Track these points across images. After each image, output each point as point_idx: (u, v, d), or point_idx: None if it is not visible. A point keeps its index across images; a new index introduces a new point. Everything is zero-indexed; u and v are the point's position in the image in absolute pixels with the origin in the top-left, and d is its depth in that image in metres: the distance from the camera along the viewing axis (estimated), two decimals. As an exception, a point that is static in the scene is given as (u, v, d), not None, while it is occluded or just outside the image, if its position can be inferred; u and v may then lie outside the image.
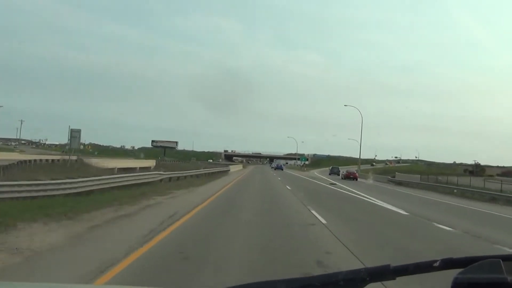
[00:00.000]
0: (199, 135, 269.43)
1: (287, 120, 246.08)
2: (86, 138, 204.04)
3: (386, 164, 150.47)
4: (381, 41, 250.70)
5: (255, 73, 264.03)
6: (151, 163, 68.19)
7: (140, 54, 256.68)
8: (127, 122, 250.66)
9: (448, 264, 1.07)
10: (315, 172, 75.96)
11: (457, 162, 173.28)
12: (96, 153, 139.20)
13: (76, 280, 4.72)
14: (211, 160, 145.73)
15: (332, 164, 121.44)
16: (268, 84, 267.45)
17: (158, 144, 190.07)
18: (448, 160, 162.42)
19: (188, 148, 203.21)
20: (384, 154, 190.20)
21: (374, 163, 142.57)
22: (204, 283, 5.12)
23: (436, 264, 1.06)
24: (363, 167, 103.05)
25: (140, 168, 60.02)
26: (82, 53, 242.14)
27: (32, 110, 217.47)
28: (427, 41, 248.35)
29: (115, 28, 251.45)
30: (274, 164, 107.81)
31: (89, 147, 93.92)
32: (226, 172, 44.41)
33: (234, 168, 56.13)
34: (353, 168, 64.17)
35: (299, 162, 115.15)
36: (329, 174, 60.10)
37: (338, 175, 58.24)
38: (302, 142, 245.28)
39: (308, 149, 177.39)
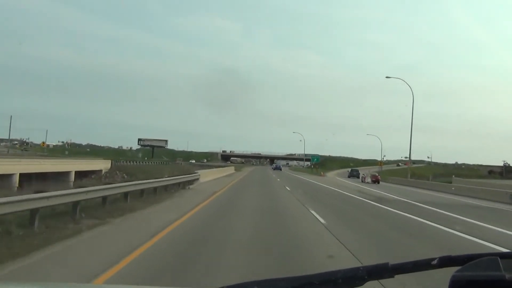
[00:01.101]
0: (198, 135, 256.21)
1: (287, 120, 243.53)
2: (84, 139, 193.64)
3: (402, 165, 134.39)
4: (381, 40, 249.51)
5: (254, 73, 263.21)
6: (103, 164, 48.69)
7: (139, 55, 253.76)
8: (127, 123, 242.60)
9: (446, 262, 1.04)
10: (336, 177, 56.95)
11: (459, 162, 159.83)
12: (66, 152, 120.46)
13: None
14: (193, 161, 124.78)
15: (337, 164, 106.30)
16: (268, 84, 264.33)
17: (146, 143, 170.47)
18: (449, 160, 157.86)
19: (183, 148, 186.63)
20: (390, 154, 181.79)
21: (399, 164, 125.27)
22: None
23: (434, 262, 1.04)
24: (385, 167, 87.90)
25: (79, 172, 40.46)
26: (81, 54, 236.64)
27: (32, 111, 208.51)
28: (427, 41, 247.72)
29: (114, 29, 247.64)
30: (274, 165, 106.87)
31: (44, 144, 74.25)
32: (186, 187, 21.65)
33: (216, 174, 35.56)
34: (372, 169, 65.47)
35: (306, 163, 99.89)
36: (348, 177, 56.96)
37: (358, 177, 55.70)
38: (300, 140, 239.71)
39: (306, 149, 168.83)
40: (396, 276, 1.08)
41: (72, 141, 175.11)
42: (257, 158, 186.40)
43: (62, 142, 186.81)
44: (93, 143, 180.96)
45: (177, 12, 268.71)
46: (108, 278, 4.92)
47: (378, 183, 45.16)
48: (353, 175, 59.66)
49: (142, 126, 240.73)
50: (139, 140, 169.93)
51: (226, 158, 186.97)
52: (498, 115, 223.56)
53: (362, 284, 1.04)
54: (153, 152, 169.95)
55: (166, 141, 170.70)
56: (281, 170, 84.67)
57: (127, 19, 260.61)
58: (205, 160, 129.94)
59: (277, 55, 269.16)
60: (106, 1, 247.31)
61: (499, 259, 0.95)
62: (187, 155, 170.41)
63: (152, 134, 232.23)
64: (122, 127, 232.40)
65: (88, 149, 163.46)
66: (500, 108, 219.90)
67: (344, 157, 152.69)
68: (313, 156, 77.12)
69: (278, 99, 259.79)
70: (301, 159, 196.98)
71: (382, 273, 1.07)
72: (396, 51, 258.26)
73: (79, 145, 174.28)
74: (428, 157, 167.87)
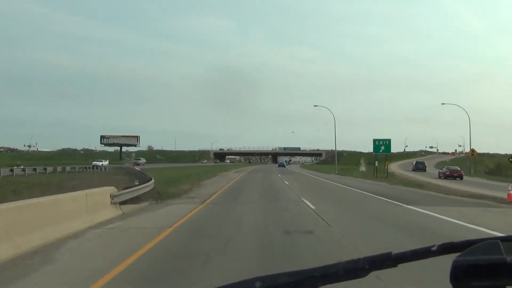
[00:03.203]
0: (194, 135, 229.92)
1: (284, 116, 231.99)
2: (80, 144, 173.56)
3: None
4: (379, 34, 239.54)
5: (249, 70, 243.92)
6: None
7: (131, 55, 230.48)
8: (125, 125, 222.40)
9: (446, 248, 1.01)
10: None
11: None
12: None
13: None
14: (103, 162, 75.66)
15: (346, 159, 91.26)
16: (264, 81, 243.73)
17: (110, 141, 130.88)
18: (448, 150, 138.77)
19: (171, 147, 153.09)
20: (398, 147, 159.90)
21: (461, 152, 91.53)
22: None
23: (434, 249, 1.01)
24: (438, 159, 70.35)
25: None
26: (76, 58, 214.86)
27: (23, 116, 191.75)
28: (421, 33, 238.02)
29: (106, 30, 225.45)
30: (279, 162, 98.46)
31: None
32: None
33: None
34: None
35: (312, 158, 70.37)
36: (413, 170, 47.65)
37: (425, 171, 48.72)
38: (292, 132, 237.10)
39: (301, 143, 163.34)
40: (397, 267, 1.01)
41: (68, 147, 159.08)
42: (258, 155, 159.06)
43: (29, 146, 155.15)
44: (86, 147, 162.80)
45: (169, 12, 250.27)
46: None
47: (461, 179, 36.51)
48: (419, 168, 51.61)
49: (139, 128, 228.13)
50: (102, 137, 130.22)
51: (221, 156, 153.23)
52: (495, 104, 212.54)
53: (365, 275, 0.98)
54: (121, 153, 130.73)
55: (137, 137, 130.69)
56: (284, 167, 79.16)
57: (119, 20, 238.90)
58: (142, 161, 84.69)
59: (272, 51, 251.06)
60: (96, 1, 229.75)
61: (500, 242, 0.92)
62: (175, 155, 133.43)
63: (148, 136, 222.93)
64: (117, 130, 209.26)
65: (82, 152, 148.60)
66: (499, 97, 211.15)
67: (347, 150, 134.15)
68: (379, 141, 36.28)
69: (275, 96, 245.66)
70: (312, 154, 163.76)
71: (384, 262, 1.00)
72: (394, 44, 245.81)
73: (74, 150, 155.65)
74: (460, 145, 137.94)
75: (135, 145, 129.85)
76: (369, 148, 42.40)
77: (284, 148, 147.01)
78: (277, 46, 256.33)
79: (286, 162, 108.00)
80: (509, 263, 0.88)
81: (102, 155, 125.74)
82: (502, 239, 0.94)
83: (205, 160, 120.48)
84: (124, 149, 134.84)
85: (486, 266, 0.90)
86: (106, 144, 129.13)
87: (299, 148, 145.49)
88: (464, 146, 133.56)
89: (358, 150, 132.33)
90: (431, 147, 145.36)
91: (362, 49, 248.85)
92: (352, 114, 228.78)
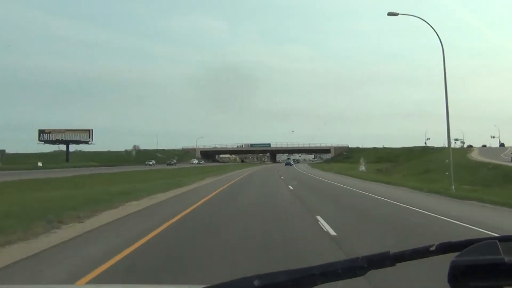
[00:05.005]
0: (186, 134, 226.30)
1: (279, 114, 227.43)
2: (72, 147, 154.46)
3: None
4: (370, 29, 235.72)
5: (243, 68, 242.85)
6: None
7: (123, 56, 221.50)
8: (122, 126, 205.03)
9: (444, 248, 1.02)
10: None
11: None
12: None
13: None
14: None
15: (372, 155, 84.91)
16: (258, 78, 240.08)
17: (52, 137, 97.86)
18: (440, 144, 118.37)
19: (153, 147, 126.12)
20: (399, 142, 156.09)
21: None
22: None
23: (433, 249, 1.01)
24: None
25: None
26: (68, 61, 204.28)
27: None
28: (415, 27, 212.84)
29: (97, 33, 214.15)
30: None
31: None
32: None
33: None
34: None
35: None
36: None
37: None
38: (292, 131, 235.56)
39: (299, 139, 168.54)
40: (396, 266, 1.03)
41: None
42: (254, 153, 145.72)
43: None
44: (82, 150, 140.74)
45: (159, 12, 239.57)
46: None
47: None
48: None
49: (132, 127, 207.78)
50: (41, 133, 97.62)
51: (209, 155, 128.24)
52: (487, 98, 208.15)
53: (363, 274, 1.00)
54: (68, 153, 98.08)
55: (89, 131, 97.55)
56: (291, 165, 78.29)
57: (110, 21, 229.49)
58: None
59: (264, 49, 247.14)
60: (87, 4, 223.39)
61: (498, 242, 0.93)
62: (152, 155, 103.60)
63: (141, 137, 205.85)
64: (116, 132, 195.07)
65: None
66: (489, 91, 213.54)
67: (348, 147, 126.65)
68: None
69: (272, 93, 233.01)
70: (317, 151, 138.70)
71: (382, 262, 1.01)
72: (386, 38, 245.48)
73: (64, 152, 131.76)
74: (494, 137, 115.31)
75: (87, 142, 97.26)
76: (367, 143, 23.00)
77: (251, 145, 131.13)
78: (271, 44, 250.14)
79: (294, 161, 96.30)
80: (507, 263, 0.87)
81: (51, 157, 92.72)
82: (500, 239, 0.94)
83: (152, 161, 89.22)
84: (73, 148, 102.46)
85: (484, 266, 0.89)
86: (46, 141, 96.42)
87: (269, 144, 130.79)
88: (499, 137, 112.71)
89: (353, 146, 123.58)
90: (456, 140, 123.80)
91: (357, 45, 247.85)
92: (346, 110, 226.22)
